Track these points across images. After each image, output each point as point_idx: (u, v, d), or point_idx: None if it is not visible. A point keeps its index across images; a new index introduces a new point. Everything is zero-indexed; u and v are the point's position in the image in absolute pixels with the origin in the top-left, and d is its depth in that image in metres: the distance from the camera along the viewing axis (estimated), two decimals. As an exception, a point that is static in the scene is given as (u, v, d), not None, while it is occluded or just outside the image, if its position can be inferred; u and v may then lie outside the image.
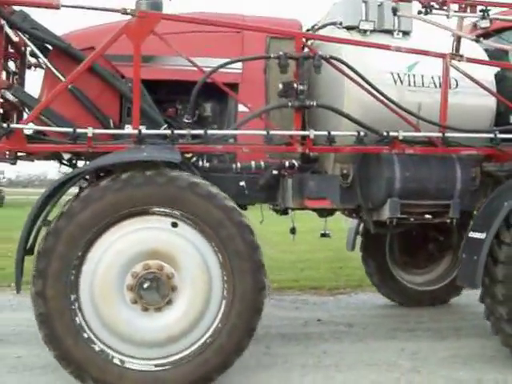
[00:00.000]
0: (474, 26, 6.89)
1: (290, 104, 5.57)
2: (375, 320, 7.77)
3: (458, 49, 6.16)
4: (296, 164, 5.82)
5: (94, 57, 5.31)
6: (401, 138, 5.76)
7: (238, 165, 5.78)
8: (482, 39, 6.42)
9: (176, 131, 5.35)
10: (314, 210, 6.27)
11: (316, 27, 6.50)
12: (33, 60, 5.87)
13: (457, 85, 6.14)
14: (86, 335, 4.93)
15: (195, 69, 5.51)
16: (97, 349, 4.94)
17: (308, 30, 6.46)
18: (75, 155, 5.89)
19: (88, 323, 4.96)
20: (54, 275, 4.84)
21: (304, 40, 5.82)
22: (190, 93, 5.67)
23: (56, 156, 6.00)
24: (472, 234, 5.94)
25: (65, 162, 6.12)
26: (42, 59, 5.58)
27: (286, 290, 9.62)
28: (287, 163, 5.79)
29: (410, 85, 6.07)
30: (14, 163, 5.88)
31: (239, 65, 5.80)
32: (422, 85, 6.09)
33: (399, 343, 6.64)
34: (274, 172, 5.83)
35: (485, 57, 6.50)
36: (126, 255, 4.98)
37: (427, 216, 6.37)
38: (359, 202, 6.18)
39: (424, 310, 8.15)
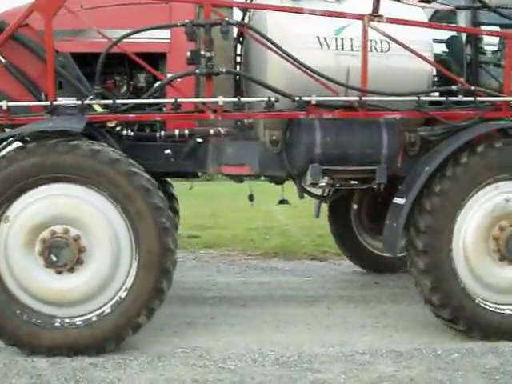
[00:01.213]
0: None
1: (197, 71, 5.57)
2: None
3: (377, 9, 5.78)
4: (222, 131, 5.84)
5: (11, 28, 5.55)
6: (314, 102, 5.65)
7: (162, 133, 5.87)
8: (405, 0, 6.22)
9: (86, 101, 5.49)
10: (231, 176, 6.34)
11: None
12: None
13: (389, 47, 5.92)
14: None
15: (128, 41, 5.59)
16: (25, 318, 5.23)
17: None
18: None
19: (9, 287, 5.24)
20: None
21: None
22: (124, 65, 5.88)
23: None
24: (395, 200, 5.81)
25: None
26: None
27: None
28: (212, 131, 5.84)
29: (337, 49, 5.88)
30: None
31: (167, 34, 5.85)
32: (350, 48, 5.88)
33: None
34: (199, 140, 5.88)
35: (422, 19, 6.26)
36: (32, 223, 5.21)
37: (353, 182, 6.33)
38: (287, 169, 6.10)
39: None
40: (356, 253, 8.62)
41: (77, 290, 5.26)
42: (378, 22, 5.72)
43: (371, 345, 5.59)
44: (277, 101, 5.63)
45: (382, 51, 5.93)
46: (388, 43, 5.89)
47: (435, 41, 6.69)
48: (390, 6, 5.98)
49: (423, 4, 6.45)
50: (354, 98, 5.75)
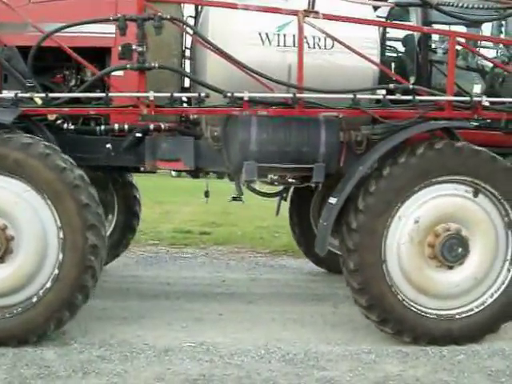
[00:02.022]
0: None
1: (128, 66, 5.55)
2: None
3: (313, 5, 5.67)
4: (163, 126, 5.84)
5: None
6: (246, 98, 5.59)
7: (102, 127, 5.89)
8: None
9: (19, 94, 5.49)
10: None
11: None
12: None
13: (333, 44, 5.78)
14: None
15: (72, 35, 5.62)
16: None
17: None
18: None
19: None
20: None
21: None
22: (73, 59, 5.84)
23: None
24: (330, 200, 5.68)
25: None
26: None
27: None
28: (152, 126, 5.82)
29: (279, 45, 5.78)
30: None
31: (112, 29, 5.77)
32: (292, 45, 5.74)
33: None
34: (138, 135, 5.87)
35: (370, 17, 6.11)
36: None
37: (291, 180, 6.24)
38: (226, 165, 6.03)
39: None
40: (312, 250, 8.48)
41: (3, 281, 5.29)
42: (314, 18, 5.61)
43: (377, 344, 5.61)
44: (207, 96, 5.61)
45: (325, 48, 5.84)
46: (332, 41, 5.77)
47: (391, 39, 6.71)
48: (335, 3, 5.92)
49: (361, 1, 6.20)
50: (288, 94, 5.66)
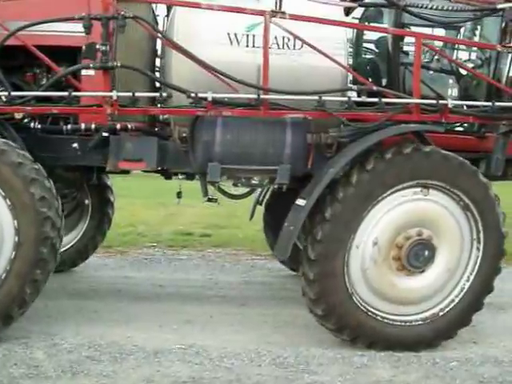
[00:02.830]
0: None
1: (91, 65, 5.50)
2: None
3: (280, 5, 5.58)
4: (130, 126, 5.78)
5: None
6: (210, 99, 5.53)
7: (69, 127, 5.86)
8: None
9: None
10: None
11: None
12: None
13: (302, 45, 5.69)
14: None
15: (42, 34, 5.58)
16: None
17: None
18: None
19: None
20: None
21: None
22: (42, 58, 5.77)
23: None
24: (297, 202, 5.53)
25: None
26: None
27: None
28: (118, 125, 5.75)
29: (248, 46, 5.73)
30: None
31: (82, 28, 5.63)
32: (262, 46, 5.63)
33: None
34: (105, 134, 5.82)
35: (338, 18, 5.98)
36: None
37: (255, 182, 6.09)
38: (192, 166, 5.95)
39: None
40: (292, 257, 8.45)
41: None
42: (281, 18, 5.54)
43: (369, 348, 5.56)
44: (170, 96, 5.58)
45: (294, 49, 5.78)
46: (300, 42, 5.69)
47: (365, 41, 6.68)
48: (303, 3, 5.83)
49: (329, 0, 6.10)
50: (251, 95, 5.59)
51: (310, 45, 5.60)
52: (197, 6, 5.62)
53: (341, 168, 5.47)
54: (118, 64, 5.49)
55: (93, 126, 5.79)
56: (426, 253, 5.58)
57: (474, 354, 5.56)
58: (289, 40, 5.73)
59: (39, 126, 5.88)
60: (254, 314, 6.53)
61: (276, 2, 5.61)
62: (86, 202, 8.16)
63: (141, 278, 8.23)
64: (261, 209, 8.52)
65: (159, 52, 6.30)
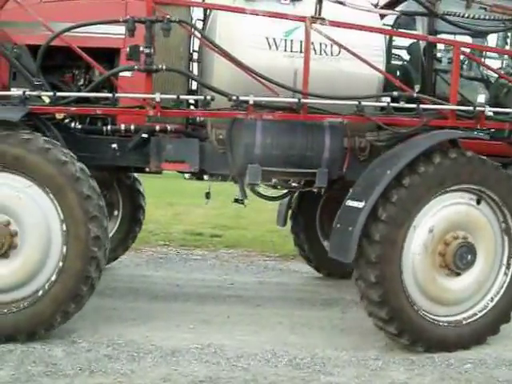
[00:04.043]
0: None
1: (136, 67, 5.58)
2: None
3: (319, 12, 5.76)
4: (169, 128, 5.90)
5: None
6: (252, 102, 5.63)
7: (109, 127, 5.95)
8: (347, 2, 6.10)
9: (27, 92, 5.52)
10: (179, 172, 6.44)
11: None
12: None
13: (340, 51, 5.86)
14: None
15: (83, 35, 5.68)
16: None
17: None
18: None
19: None
20: None
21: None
22: (78, 58, 5.87)
23: None
24: (349, 203, 5.50)
25: None
26: None
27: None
28: (158, 127, 5.89)
29: (286, 50, 5.85)
30: None
31: (122, 30, 5.82)
32: (299, 50, 5.81)
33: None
34: (144, 135, 5.92)
35: (376, 25, 6.18)
36: None
37: (294, 184, 6.31)
38: (230, 168, 6.06)
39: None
40: (317, 255, 8.54)
41: (9, 276, 5.32)
42: (320, 24, 5.68)
43: (384, 351, 5.61)
44: (213, 99, 5.66)
45: (331, 55, 5.91)
46: (339, 48, 5.84)
47: (397, 47, 6.77)
48: (343, 9, 5.98)
49: (369, 7, 6.33)
50: (293, 99, 5.70)
51: (350, 51, 5.73)
52: (242, 11, 5.72)
53: (398, 171, 5.43)
54: (163, 67, 5.59)
55: (132, 126, 5.88)
56: (469, 257, 5.65)
57: (489, 356, 5.57)
58: (326, 46, 5.86)
59: (79, 126, 5.95)
60: (269, 315, 6.57)
61: (315, 8, 5.75)
62: (116, 195, 8.30)
63: (158, 277, 8.32)
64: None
65: (194, 56, 6.44)
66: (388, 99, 5.94)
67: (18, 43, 5.84)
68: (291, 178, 6.12)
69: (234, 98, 5.59)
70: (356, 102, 5.73)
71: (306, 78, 5.67)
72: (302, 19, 5.67)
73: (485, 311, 5.81)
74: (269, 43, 5.82)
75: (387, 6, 6.70)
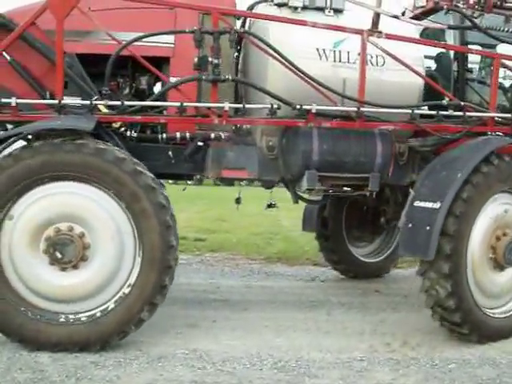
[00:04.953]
0: (414, 5, 7.04)
1: (204, 77, 5.72)
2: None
3: (376, 25, 6.11)
4: (223, 136, 5.99)
5: (22, 27, 5.58)
6: (314, 111, 5.87)
7: (164, 135, 6.01)
8: (402, 16, 6.56)
9: (95, 102, 5.60)
10: (232, 179, 6.60)
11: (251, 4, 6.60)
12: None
13: (384, 62, 6.20)
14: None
15: (134, 44, 5.73)
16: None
17: (249, 8, 6.54)
18: None
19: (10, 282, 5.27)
20: None
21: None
22: (125, 66, 6.02)
23: None
24: (419, 204, 5.83)
25: None
26: None
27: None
28: (213, 135, 5.99)
29: (335, 61, 6.12)
30: None
31: (171, 39, 5.99)
32: (347, 61, 6.13)
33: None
34: (200, 143, 6.01)
35: (415, 35, 6.58)
36: (36, 221, 5.28)
37: (346, 188, 6.59)
38: (282, 174, 6.30)
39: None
40: (344, 259, 8.78)
41: (81, 287, 5.34)
42: (377, 37, 5.98)
43: (369, 352, 5.65)
44: (279, 108, 5.81)
45: (377, 65, 6.21)
46: (383, 58, 6.16)
47: (425, 56, 6.88)
48: (385, 21, 6.20)
49: (417, 22, 6.68)
50: (352, 108, 5.97)
51: (403, 63, 6.10)
52: (303, 23, 5.91)
53: (469, 172, 5.78)
54: (229, 77, 5.76)
55: (188, 134, 5.95)
56: None
57: (472, 355, 5.64)
58: (371, 57, 6.15)
59: (134, 135, 5.98)
60: (255, 319, 6.60)
61: (372, 22, 6.09)
62: None
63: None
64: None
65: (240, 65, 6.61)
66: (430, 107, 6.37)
67: (68, 52, 5.83)
68: (345, 182, 6.41)
69: (298, 106, 5.81)
70: (409, 111, 6.13)
71: (362, 87, 5.96)
72: (359, 32, 5.93)
73: None
74: (319, 54, 6.07)
75: (417, 17, 6.89)
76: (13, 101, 5.52)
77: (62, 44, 5.54)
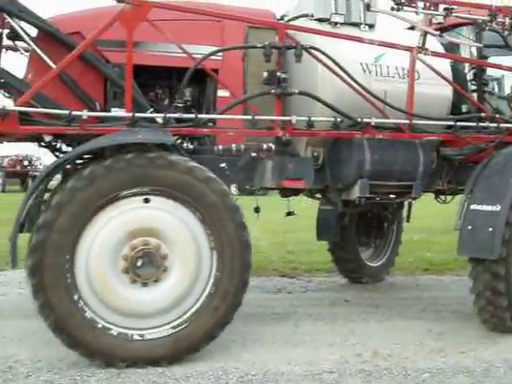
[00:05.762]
0: (430, 20, 7.40)
1: (273, 91, 5.89)
2: (402, 302, 7.91)
3: (424, 43, 6.61)
4: (273, 147, 6.11)
5: (87, 43, 5.49)
6: (373, 124, 6.21)
7: (220, 147, 6.01)
8: (443, 34, 6.91)
9: (168, 115, 5.58)
10: (285, 189, 6.69)
11: (286, 18, 6.72)
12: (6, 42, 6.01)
13: (419, 76, 6.54)
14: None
15: (178, 55, 5.78)
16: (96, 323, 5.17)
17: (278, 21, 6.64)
18: (58, 137, 6.02)
19: (86, 301, 5.15)
20: (52, 247, 4.98)
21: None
22: (169, 78, 6.10)
23: (36, 138, 6.14)
24: (476, 207, 6.24)
25: (44, 144, 6.28)
26: (31, 43, 5.69)
27: (314, 271, 9.83)
28: (265, 146, 6.08)
29: (377, 75, 6.50)
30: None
31: (220, 52, 6.02)
32: (387, 75, 6.55)
33: (426, 324, 6.74)
34: (253, 154, 6.10)
35: (443, 50, 7.01)
36: (115, 237, 5.19)
37: (391, 196, 6.96)
38: (328, 183, 6.65)
39: (450, 293, 8.32)
40: (358, 267, 8.95)
41: (158, 302, 5.30)
42: (425, 54, 6.45)
43: (339, 363, 5.44)
44: (342, 121, 6.11)
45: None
46: (418, 72, 6.49)
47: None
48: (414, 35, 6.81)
49: (452, 39, 7.11)
50: (404, 120, 6.39)
51: (444, 77, 6.63)
52: (360, 40, 6.23)
53: None
54: (296, 91, 5.96)
55: (242, 146, 6.03)
56: None
57: (446, 364, 5.47)
58: (407, 72, 6.50)
59: (191, 146, 5.95)
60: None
61: (421, 40, 6.66)
62: None
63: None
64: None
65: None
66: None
67: (113, 62, 5.79)
68: (391, 190, 6.81)
69: (359, 120, 6.13)
70: (453, 122, 6.59)
71: (410, 100, 6.36)
72: (409, 49, 6.36)
73: None
74: (363, 68, 6.43)
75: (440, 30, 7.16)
76: (84, 113, 5.32)
77: (132, 57, 5.44)
